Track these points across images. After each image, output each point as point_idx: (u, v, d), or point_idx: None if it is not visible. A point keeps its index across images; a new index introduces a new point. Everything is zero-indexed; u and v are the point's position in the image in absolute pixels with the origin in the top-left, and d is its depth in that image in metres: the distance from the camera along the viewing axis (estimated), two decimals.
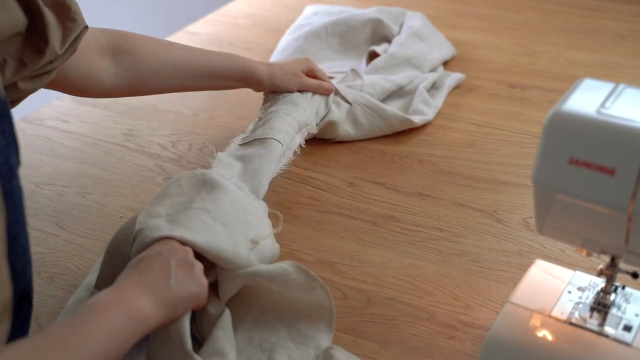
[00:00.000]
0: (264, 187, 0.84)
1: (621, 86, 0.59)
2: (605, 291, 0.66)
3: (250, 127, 0.95)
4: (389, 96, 1.13)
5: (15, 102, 0.72)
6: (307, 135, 0.98)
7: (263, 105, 1.00)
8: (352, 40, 1.33)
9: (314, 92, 1.00)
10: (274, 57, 1.31)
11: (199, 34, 1.44)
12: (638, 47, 1.37)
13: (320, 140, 1.03)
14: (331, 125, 1.02)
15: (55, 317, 0.72)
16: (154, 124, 1.10)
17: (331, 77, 1.09)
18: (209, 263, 0.70)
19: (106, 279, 0.69)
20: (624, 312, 0.66)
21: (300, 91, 1.00)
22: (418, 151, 1.02)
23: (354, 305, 0.75)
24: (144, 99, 1.16)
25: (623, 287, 0.68)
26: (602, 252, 0.61)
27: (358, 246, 0.84)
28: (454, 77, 1.20)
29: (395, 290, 0.77)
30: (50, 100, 1.14)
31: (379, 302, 0.75)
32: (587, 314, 0.66)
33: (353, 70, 1.12)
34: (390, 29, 1.32)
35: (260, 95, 1.03)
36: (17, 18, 0.66)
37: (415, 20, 1.34)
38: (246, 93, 1.10)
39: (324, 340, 0.69)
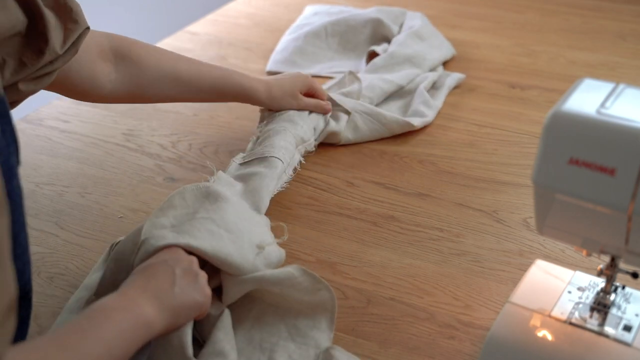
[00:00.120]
0: (265, 204, 0.84)
1: (621, 86, 0.59)
2: (605, 291, 0.66)
3: (249, 146, 0.96)
4: (389, 96, 1.13)
5: (16, 103, 0.72)
6: (305, 152, 0.98)
7: (260, 123, 1.01)
8: (352, 40, 1.33)
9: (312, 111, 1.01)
10: (274, 57, 1.31)
11: (199, 34, 1.44)
12: (638, 47, 1.37)
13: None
14: (332, 134, 1.02)
15: (55, 317, 0.72)
16: (154, 124, 1.10)
17: (331, 77, 1.09)
18: (212, 270, 0.70)
19: (107, 287, 0.69)
20: (624, 312, 0.66)
21: None
22: (418, 151, 1.02)
23: (354, 305, 0.75)
24: None
25: (623, 287, 0.68)
26: (602, 252, 0.61)
27: (358, 246, 0.84)
28: (454, 77, 1.20)
29: (395, 290, 0.77)
30: (51, 100, 1.14)
31: (379, 302, 0.75)
32: (587, 314, 0.66)
33: (350, 73, 1.11)
34: (390, 29, 1.32)
35: None
36: (16, 18, 0.66)
37: (415, 20, 1.34)
38: None
39: (324, 340, 0.69)
